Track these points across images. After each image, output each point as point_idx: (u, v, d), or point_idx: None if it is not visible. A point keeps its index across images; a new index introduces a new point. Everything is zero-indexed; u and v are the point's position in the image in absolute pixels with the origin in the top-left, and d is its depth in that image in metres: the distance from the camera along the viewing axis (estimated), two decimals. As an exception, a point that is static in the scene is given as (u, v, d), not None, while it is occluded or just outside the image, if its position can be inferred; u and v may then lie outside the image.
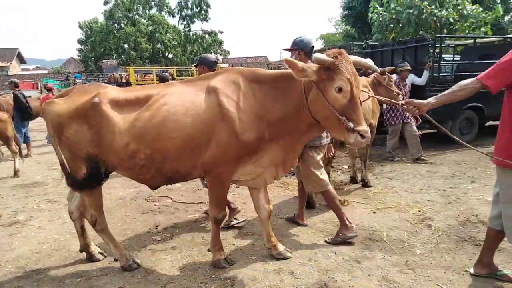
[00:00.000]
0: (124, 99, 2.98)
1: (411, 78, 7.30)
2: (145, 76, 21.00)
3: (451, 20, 11.29)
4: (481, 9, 11.94)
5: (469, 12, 11.52)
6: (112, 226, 4.03)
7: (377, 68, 3.26)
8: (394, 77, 6.54)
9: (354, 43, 11.50)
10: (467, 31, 11.68)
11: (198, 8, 42.78)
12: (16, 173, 6.80)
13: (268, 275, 3.04)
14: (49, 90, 10.50)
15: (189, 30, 43.53)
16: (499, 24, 16.05)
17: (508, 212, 2.59)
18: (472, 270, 2.92)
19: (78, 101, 2.97)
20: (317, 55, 2.53)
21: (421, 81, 7.46)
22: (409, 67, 6.89)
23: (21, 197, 5.58)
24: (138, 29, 39.24)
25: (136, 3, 41.15)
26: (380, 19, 12.52)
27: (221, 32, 43.86)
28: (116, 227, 4.18)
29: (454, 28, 11.77)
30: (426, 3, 11.31)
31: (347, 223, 3.55)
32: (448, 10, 11.37)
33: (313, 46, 3.61)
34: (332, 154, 4.18)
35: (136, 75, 19.73)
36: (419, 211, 4.34)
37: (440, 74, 7.97)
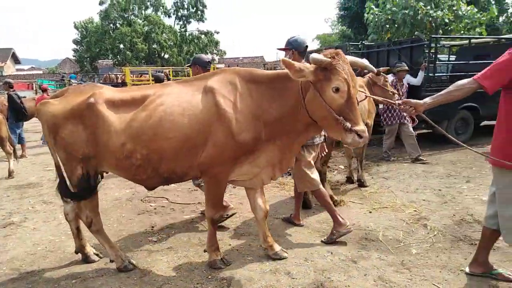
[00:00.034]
0: (120, 100, 2.97)
1: (407, 78, 7.33)
2: (141, 76, 20.95)
3: (446, 20, 11.37)
4: (476, 9, 12.04)
5: (464, 12, 11.61)
6: (108, 227, 4.00)
7: (373, 68, 3.28)
8: (390, 77, 6.56)
9: (350, 43, 11.53)
10: (462, 32, 11.76)
11: (194, 8, 42.72)
12: (10, 174, 6.74)
13: (265, 276, 3.03)
14: (44, 90, 10.43)
15: (185, 31, 43.47)
16: (493, 24, 16.20)
17: (505, 212, 2.61)
18: (467, 269, 2.94)
19: (74, 102, 2.96)
20: (314, 55, 2.53)
21: (416, 81, 7.49)
22: (406, 68, 6.91)
23: (16, 198, 5.54)
24: (134, 29, 39.12)
25: (131, 3, 41.02)
26: (376, 19, 12.57)
27: (217, 33, 43.87)
28: (111, 228, 4.16)
29: (449, 28, 11.85)
30: (421, 3, 11.38)
31: (340, 219, 3.57)
32: (443, 10, 11.45)
33: (306, 46, 3.63)
34: (325, 153, 4.19)
35: (131, 75, 19.69)
36: (415, 210, 4.35)
37: (436, 74, 8.01)
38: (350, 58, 2.71)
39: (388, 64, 7.70)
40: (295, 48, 3.56)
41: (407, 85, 7.11)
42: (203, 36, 42.89)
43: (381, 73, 5.57)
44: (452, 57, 9.93)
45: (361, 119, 2.62)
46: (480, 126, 8.47)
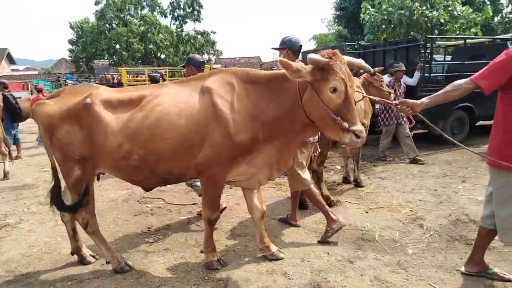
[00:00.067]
0: (117, 100, 2.96)
1: (403, 79, 7.35)
2: (137, 76, 20.88)
3: (442, 21, 11.40)
4: (471, 10, 12.09)
5: (459, 13, 11.65)
6: (104, 229, 3.99)
7: (370, 68, 3.29)
8: (386, 78, 6.57)
9: (347, 43, 11.56)
10: (457, 32, 11.80)
11: (191, 8, 42.61)
12: (6, 176, 6.70)
13: (261, 276, 3.03)
14: (40, 91, 10.39)
15: (182, 31, 43.35)
16: (489, 25, 16.29)
17: (501, 213, 2.62)
18: (463, 269, 2.95)
19: (70, 102, 2.94)
20: (311, 55, 2.53)
21: (412, 81, 7.52)
22: (404, 68, 6.93)
23: (11, 199, 5.50)
24: (130, 30, 38.96)
25: (127, 3, 40.87)
26: (372, 20, 12.58)
27: (214, 33, 43.81)
28: (108, 229, 4.14)
29: (444, 29, 11.89)
30: (417, 4, 11.41)
31: (332, 216, 3.60)
32: (439, 11, 11.48)
33: (301, 45, 3.65)
34: (318, 153, 4.20)
35: (128, 75, 19.62)
36: (411, 210, 4.37)
37: (431, 75, 8.05)
38: (346, 58, 2.72)
39: (384, 64, 7.72)
40: (289, 48, 3.58)
41: (404, 86, 7.14)
42: (199, 36, 42.81)
43: (377, 73, 5.59)
44: (448, 57, 9.99)
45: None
46: (475, 126, 8.52)
